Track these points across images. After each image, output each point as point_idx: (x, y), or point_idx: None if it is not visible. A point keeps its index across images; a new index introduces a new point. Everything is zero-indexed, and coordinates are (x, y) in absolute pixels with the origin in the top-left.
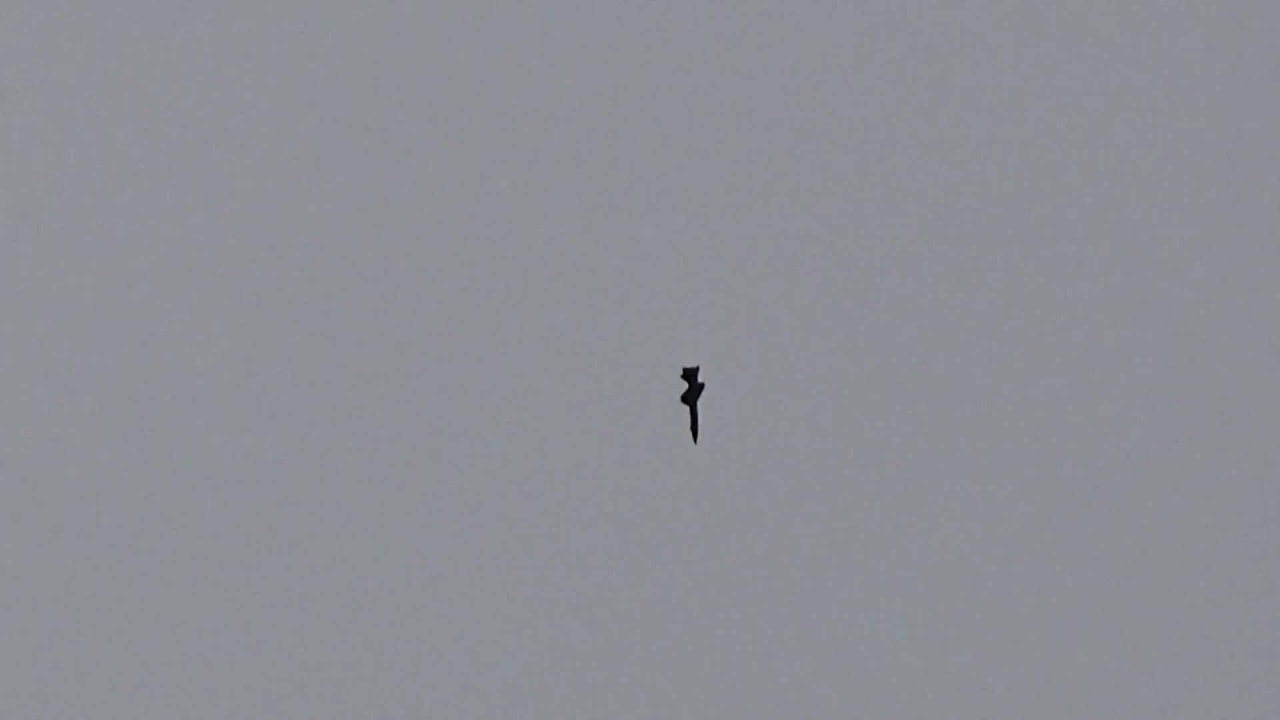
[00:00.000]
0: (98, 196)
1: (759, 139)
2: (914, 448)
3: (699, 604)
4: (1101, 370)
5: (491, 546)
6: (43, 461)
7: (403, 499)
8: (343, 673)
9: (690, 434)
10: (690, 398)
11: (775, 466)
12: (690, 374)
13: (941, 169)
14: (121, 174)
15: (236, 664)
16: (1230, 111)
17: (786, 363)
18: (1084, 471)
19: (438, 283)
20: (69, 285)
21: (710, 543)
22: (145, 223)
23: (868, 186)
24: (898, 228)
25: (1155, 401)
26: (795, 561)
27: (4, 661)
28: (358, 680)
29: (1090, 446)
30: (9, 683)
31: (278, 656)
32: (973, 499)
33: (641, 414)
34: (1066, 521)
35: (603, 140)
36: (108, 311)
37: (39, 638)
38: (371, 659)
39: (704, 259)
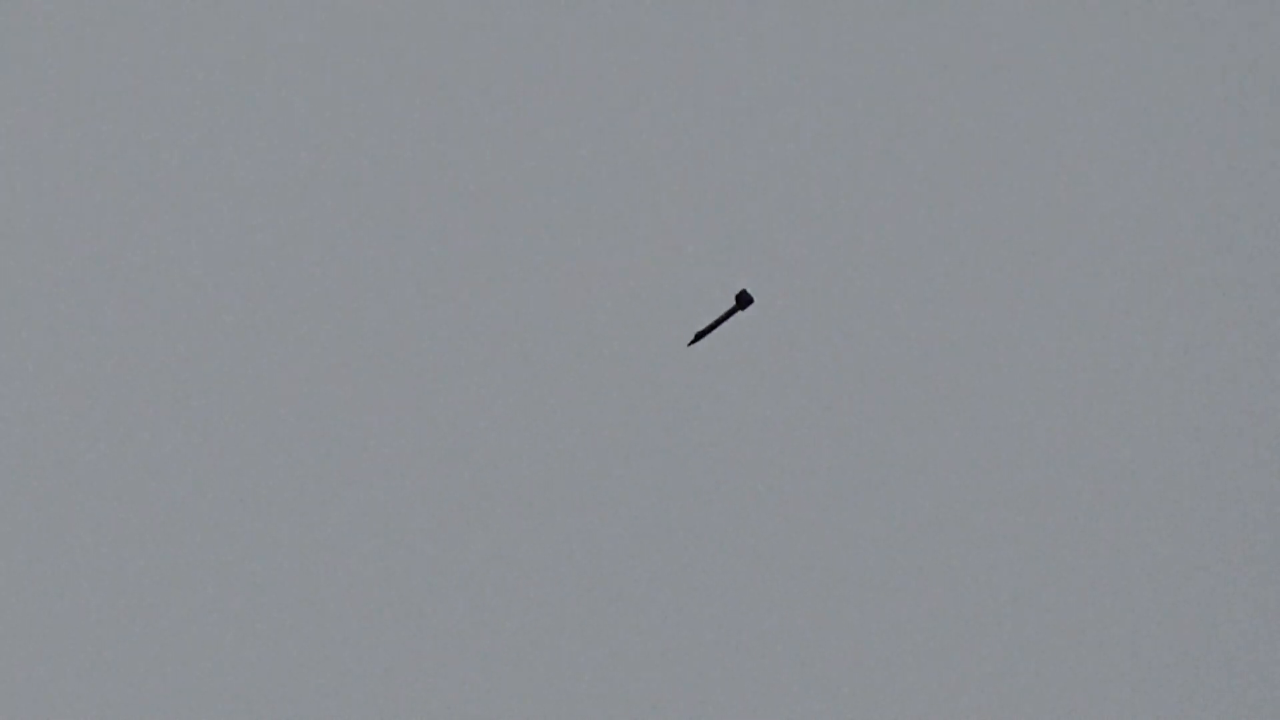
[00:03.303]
0: (95, 195)
1: (756, 141)
2: (911, 450)
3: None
4: (1099, 371)
5: (487, 543)
6: (40, 461)
7: (397, 497)
8: (340, 672)
9: (706, 328)
10: (734, 309)
11: (772, 466)
12: (741, 301)
13: (940, 172)
14: (120, 173)
15: (233, 664)
16: (1231, 119)
17: (784, 363)
18: (1081, 472)
19: (431, 282)
20: (66, 283)
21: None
22: (143, 222)
23: (866, 188)
24: (897, 230)
25: (1154, 402)
26: (790, 561)
27: (4, 661)
28: (355, 680)
29: (1087, 447)
30: (9, 683)
31: (275, 655)
32: (970, 500)
33: (634, 409)
34: (1061, 524)
35: (599, 140)
36: (105, 310)
37: (36, 637)
38: (363, 658)
39: (699, 260)
